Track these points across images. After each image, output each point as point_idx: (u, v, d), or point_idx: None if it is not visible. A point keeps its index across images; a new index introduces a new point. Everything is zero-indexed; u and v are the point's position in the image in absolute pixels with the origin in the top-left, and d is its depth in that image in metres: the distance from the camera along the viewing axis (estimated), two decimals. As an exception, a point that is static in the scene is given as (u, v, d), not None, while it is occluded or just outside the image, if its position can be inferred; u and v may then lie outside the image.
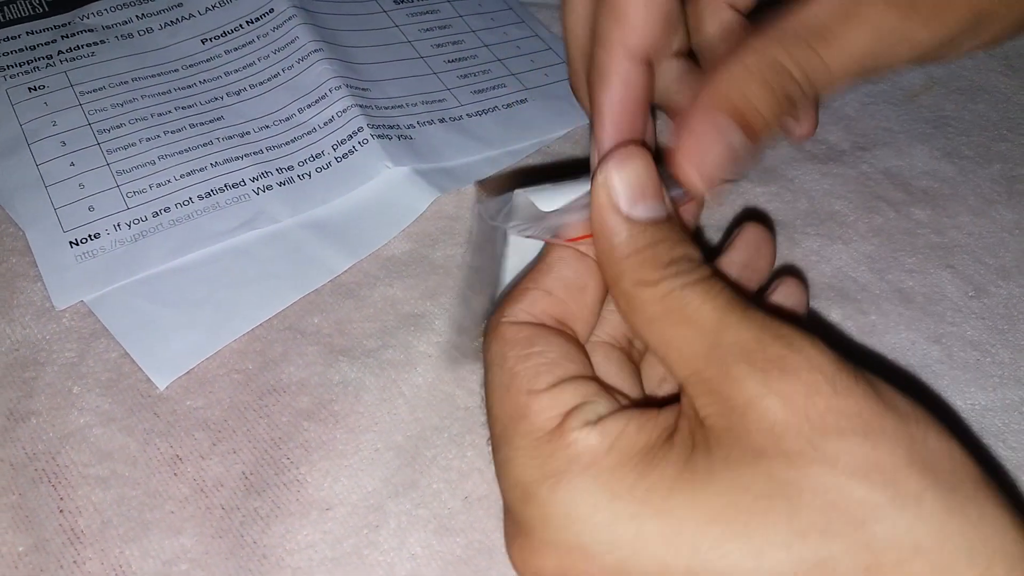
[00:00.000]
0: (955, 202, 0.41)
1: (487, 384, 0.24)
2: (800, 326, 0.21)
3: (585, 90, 0.31)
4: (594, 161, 0.29)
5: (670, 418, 0.22)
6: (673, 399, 0.23)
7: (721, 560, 0.19)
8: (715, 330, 0.21)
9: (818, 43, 0.26)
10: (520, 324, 0.24)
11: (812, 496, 0.19)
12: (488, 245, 0.28)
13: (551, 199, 0.26)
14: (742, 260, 0.30)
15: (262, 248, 0.38)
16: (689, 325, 0.21)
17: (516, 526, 0.22)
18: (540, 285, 0.25)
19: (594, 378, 0.24)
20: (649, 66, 0.29)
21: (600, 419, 0.22)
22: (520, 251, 0.27)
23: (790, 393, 0.20)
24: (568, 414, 0.22)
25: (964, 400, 0.34)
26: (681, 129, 0.26)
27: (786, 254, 0.39)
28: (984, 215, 0.41)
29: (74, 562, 0.28)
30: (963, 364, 0.35)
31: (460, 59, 0.47)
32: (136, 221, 0.38)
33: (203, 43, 0.46)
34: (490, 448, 0.24)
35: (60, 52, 0.45)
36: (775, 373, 0.20)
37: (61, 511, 0.30)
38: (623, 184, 0.23)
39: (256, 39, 0.46)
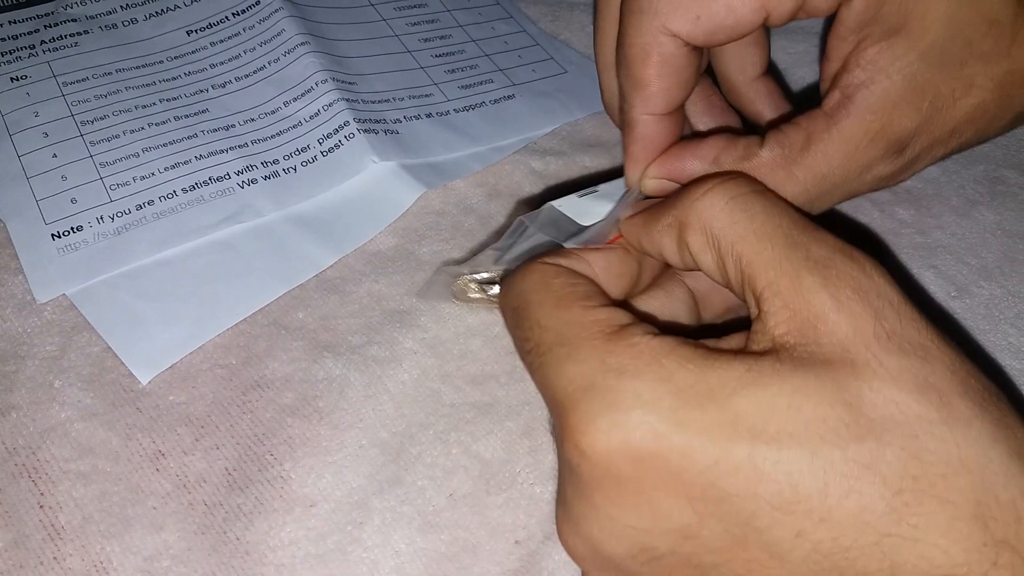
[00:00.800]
0: (938, 202, 0.42)
1: (522, 306, 0.25)
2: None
3: (616, 110, 0.33)
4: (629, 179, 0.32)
5: (722, 343, 0.24)
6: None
7: (776, 453, 0.20)
8: (787, 244, 0.22)
9: (812, 186, 0.29)
10: (557, 264, 0.26)
11: (872, 406, 0.20)
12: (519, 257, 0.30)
13: (581, 209, 0.30)
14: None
15: (246, 242, 0.37)
16: (760, 237, 0.23)
17: (577, 416, 0.22)
18: (581, 254, 0.27)
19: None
20: (672, 116, 0.31)
21: (659, 334, 0.23)
22: None
23: (860, 313, 0.21)
24: (625, 326, 0.23)
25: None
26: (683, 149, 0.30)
27: (771, 253, 0.39)
28: (967, 216, 0.41)
29: (54, 558, 0.28)
30: (945, 364, 0.35)
31: (448, 54, 0.47)
32: (119, 214, 0.37)
33: (188, 35, 0.46)
34: (531, 368, 0.24)
35: (43, 42, 0.44)
36: (847, 292, 0.21)
37: (41, 506, 0.29)
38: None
39: (242, 31, 0.46)
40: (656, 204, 0.27)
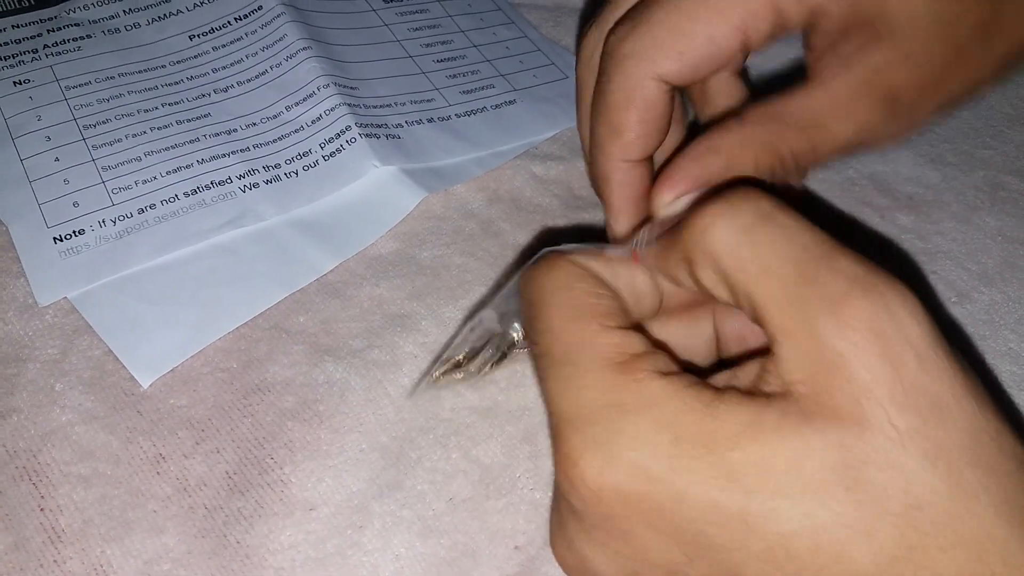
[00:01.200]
0: (939, 208, 0.42)
1: (540, 303, 0.24)
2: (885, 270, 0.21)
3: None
4: (610, 232, 0.32)
5: (735, 377, 0.23)
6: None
7: (771, 511, 0.20)
8: (798, 280, 0.21)
9: (812, 131, 0.28)
10: (584, 267, 0.25)
11: (877, 471, 0.19)
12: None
13: None
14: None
15: (248, 246, 0.38)
16: (772, 267, 0.21)
17: (572, 446, 0.22)
18: (611, 263, 0.26)
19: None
20: (646, 161, 0.31)
21: (668, 371, 0.22)
22: None
23: (877, 364, 0.19)
24: (636, 356, 0.22)
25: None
26: (673, 162, 0.28)
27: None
28: (967, 221, 0.41)
29: (55, 561, 0.28)
30: (945, 370, 0.35)
31: (449, 59, 0.47)
32: (121, 218, 0.37)
33: (191, 39, 0.46)
34: (536, 369, 0.24)
35: (46, 46, 0.44)
36: (865, 336, 0.20)
37: (42, 509, 0.29)
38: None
39: (244, 36, 0.46)
40: (668, 235, 0.25)
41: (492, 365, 0.30)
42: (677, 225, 0.24)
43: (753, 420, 0.20)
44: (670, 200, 0.27)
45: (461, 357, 0.30)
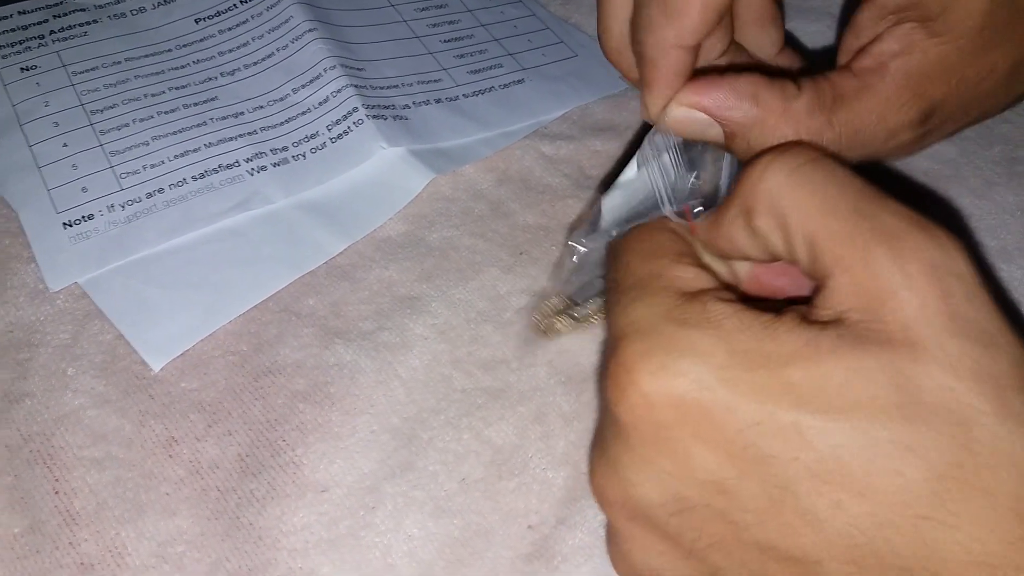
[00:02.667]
0: (956, 183, 0.41)
1: (622, 249, 0.26)
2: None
3: (625, 57, 0.32)
4: (643, 110, 0.30)
5: (793, 309, 0.23)
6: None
7: (823, 424, 0.20)
8: (856, 214, 0.22)
9: (849, 135, 0.28)
10: (669, 227, 0.26)
11: (927, 391, 0.20)
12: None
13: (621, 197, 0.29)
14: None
15: (256, 229, 0.37)
16: (829, 205, 0.22)
17: (627, 353, 0.22)
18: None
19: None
20: (695, 52, 0.29)
21: (731, 299, 0.23)
22: None
23: (928, 291, 0.20)
24: (705, 290, 0.23)
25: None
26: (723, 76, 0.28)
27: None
28: (985, 197, 0.40)
29: (70, 543, 0.28)
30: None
31: (456, 39, 0.47)
32: (130, 202, 0.37)
33: (196, 23, 0.46)
34: (606, 307, 0.25)
35: (52, 32, 0.44)
36: (918, 267, 0.20)
37: (56, 492, 0.29)
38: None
39: (250, 19, 0.46)
40: (719, 207, 0.26)
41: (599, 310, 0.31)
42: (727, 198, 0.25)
43: (809, 341, 0.21)
44: (689, 102, 0.28)
45: (564, 303, 0.31)
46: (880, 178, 0.23)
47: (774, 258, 0.24)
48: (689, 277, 0.24)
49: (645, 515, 0.22)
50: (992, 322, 0.21)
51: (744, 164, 0.25)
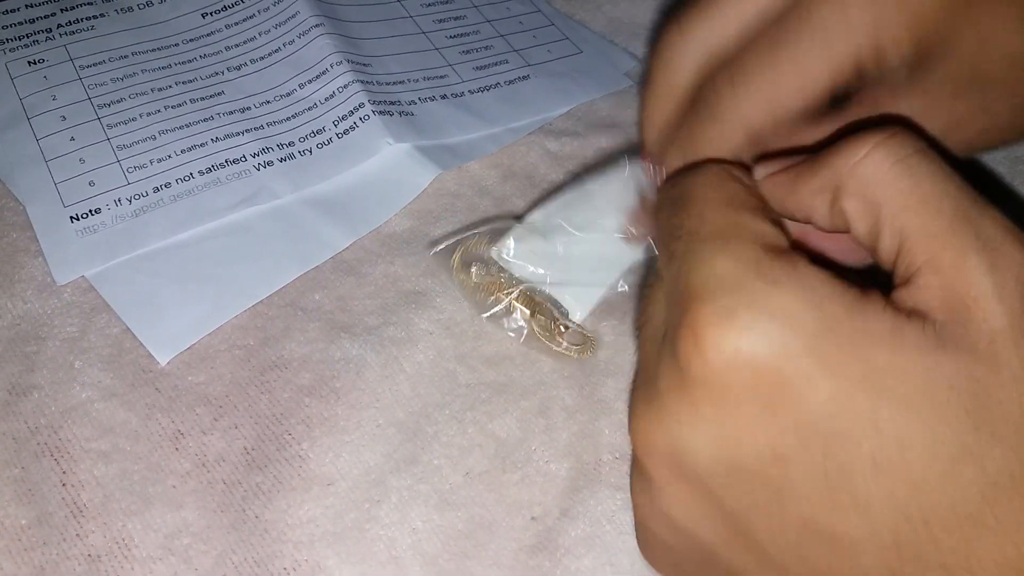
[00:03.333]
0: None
1: (690, 199, 0.24)
2: None
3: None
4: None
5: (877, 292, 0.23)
6: None
7: (896, 417, 0.20)
8: (954, 217, 0.21)
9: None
10: (737, 176, 0.25)
11: (1000, 405, 0.20)
12: None
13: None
14: None
15: (263, 224, 0.38)
16: (927, 203, 0.21)
17: (712, 308, 0.21)
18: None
19: None
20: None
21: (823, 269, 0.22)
22: None
23: (1019, 307, 0.20)
24: (787, 248, 0.22)
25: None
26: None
27: (788, 233, 0.39)
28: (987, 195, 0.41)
29: (77, 535, 0.29)
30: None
31: (462, 35, 0.47)
32: (137, 196, 0.38)
33: (203, 17, 0.46)
34: (673, 255, 0.23)
35: (59, 25, 0.44)
36: (1012, 281, 0.20)
37: (63, 484, 0.30)
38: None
39: (257, 13, 0.46)
40: (802, 164, 0.25)
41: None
42: (811, 157, 0.24)
43: (895, 328, 0.20)
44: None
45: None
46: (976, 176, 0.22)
47: (843, 232, 0.24)
48: (772, 232, 0.23)
49: (693, 470, 0.22)
50: None
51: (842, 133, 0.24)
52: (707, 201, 0.24)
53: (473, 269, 0.32)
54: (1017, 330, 0.20)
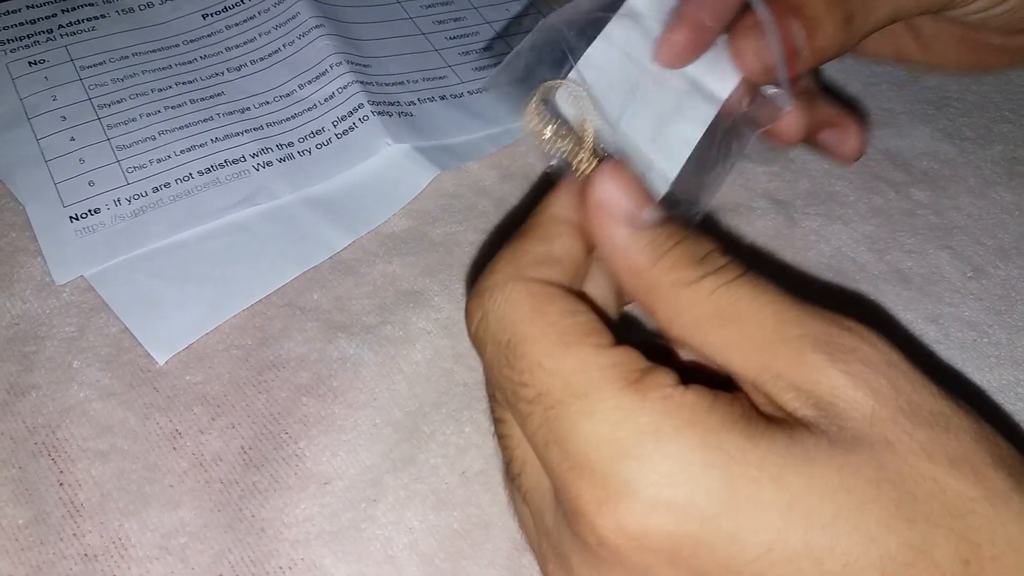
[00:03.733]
0: (955, 183, 0.41)
1: (518, 344, 0.21)
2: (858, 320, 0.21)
3: None
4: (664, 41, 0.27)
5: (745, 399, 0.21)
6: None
7: (833, 540, 0.18)
8: (777, 324, 0.20)
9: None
10: (548, 283, 0.22)
11: (915, 484, 0.19)
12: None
13: None
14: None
15: (262, 224, 0.38)
16: (745, 322, 0.21)
17: (607, 488, 0.19)
18: (550, 251, 0.23)
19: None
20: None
21: (685, 383, 0.20)
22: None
23: (877, 386, 0.20)
24: (645, 372, 0.20)
25: (959, 382, 0.34)
26: (739, 24, 0.27)
27: (786, 233, 0.39)
28: (984, 196, 0.41)
29: (74, 534, 0.29)
30: (960, 344, 0.35)
31: (462, 36, 0.47)
32: (136, 196, 0.38)
33: (204, 18, 0.46)
34: (533, 422, 0.21)
35: (60, 26, 0.45)
36: (856, 365, 0.20)
37: (61, 484, 0.30)
38: (621, 194, 0.22)
39: (257, 14, 0.46)
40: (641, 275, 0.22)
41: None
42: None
43: (791, 438, 0.19)
44: (743, 30, 0.27)
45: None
46: (789, 280, 0.22)
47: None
48: (621, 361, 0.20)
49: None
50: (941, 403, 0.20)
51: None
52: (537, 344, 0.21)
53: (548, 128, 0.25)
54: (889, 406, 0.19)
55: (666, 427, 0.19)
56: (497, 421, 0.24)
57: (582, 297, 0.23)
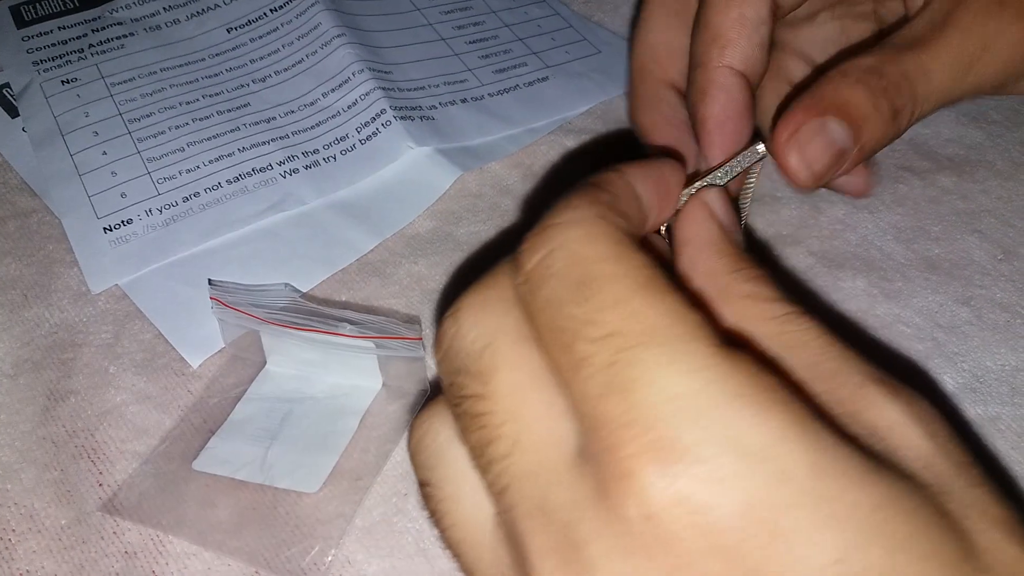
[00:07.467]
0: (982, 167, 0.41)
1: (596, 280, 0.18)
2: None
3: (647, 119, 0.32)
4: (704, 156, 0.29)
5: None
6: None
7: (906, 567, 0.16)
8: (843, 358, 0.19)
9: (915, 48, 0.27)
10: (623, 227, 0.20)
11: (968, 537, 0.17)
12: None
13: None
14: None
15: (290, 230, 0.38)
16: (811, 348, 0.20)
17: (675, 450, 0.16)
18: (626, 208, 0.21)
19: None
20: (749, 83, 0.29)
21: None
22: None
23: (936, 431, 0.18)
24: (731, 343, 0.18)
25: (995, 361, 0.33)
26: (782, 124, 0.27)
27: (811, 223, 0.39)
28: (1013, 178, 0.40)
29: (114, 533, 0.29)
30: (993, 325, 0.34)
31: (481, 39, 0.47)
32: (167, 206, 0.39)
33: (228, 32, 0.47)
34: (596, 363, 0.17)
35: (91, 45, 0.46)
36: (918, 408, 0.19)
37: (100, 485, 0.30)
38: (723, 210, 0.23)
39: (280, 26, 0.47)
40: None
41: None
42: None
43: (864, 454, 0.17)
44: (786, 138, 0.26)
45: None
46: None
47: None
48: (707, 321, 0.18)
49: None
50: (982, 470, 0.18)
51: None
52: (619, 282, 0.18)
53: None
54: (940, 454, 0.18)
55: (758, 398, 0.16)
56: (468, 399, 0.19)
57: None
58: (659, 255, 0.24)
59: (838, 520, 0.16)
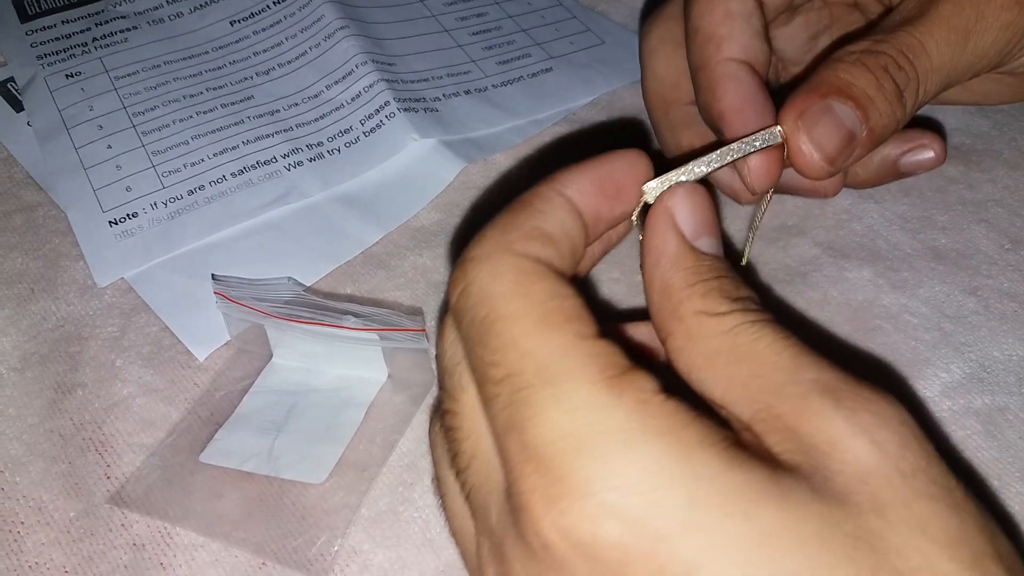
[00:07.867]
0: (989, 157, 0.41)
1: (495, 321, 0.20)
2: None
3: (672, 140, 0.33)
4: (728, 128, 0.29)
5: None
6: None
7: None
8: (792, 367, 0.19)
9: (908, 24, 0.27)
10: (537, 260, 0.21)
11: (898, 555, 0.17)
12: None
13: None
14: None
15: (295, 222, 0.38)
16: (759, 361, 0.20)
17: (560, 486, 0.17)
18: (544, 227, 0.21)
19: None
20: (755, 70, 0.29)
21: (667, 393, 0.19)
22: None
23: (883, 440, 0.18)
24: (626, 371, 0.19)
25: (1002, 351, 0.33)
26: (785, 110, 0.26)
27: (816, 213, 0.38)
28: (1019, 168, 0.40)
29: (122, 525, 0.29)
30: (1000, 315, 0.34)
31: (485, 31, 0.47)
32: (172, 200, 0.39)
33: (232, 25, 0.47)
34: (497, 403, 0.19)
35: (95, 39, 0.46)
36: (864, 415, 0.18)
37: (108, 477, 0.31)
38: (689, 213, 0.22)
39: (283, 19, 0.47)
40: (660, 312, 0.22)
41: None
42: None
43: (772, 479, 0.17)
44: (792, 123, 0.26)
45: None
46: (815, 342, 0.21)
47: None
48: (602, 354, 0.19)
49: None
50: (950, 480, 0.18)
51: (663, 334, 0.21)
52: (516, 321, 0.19)
53: None
54: (886, 466, 0.18)
55: (636, 431, 0.17)
56: (446, 413, 0.22)
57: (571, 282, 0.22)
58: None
59: (717, 551, 0.17)
